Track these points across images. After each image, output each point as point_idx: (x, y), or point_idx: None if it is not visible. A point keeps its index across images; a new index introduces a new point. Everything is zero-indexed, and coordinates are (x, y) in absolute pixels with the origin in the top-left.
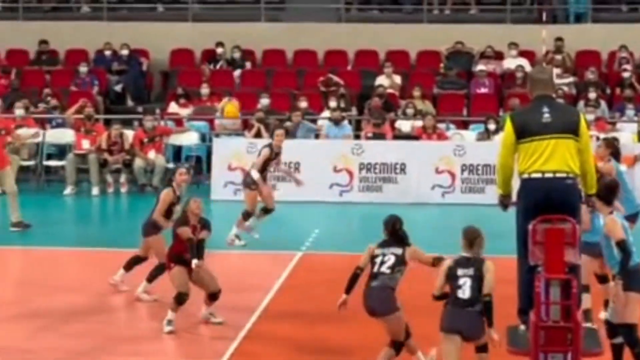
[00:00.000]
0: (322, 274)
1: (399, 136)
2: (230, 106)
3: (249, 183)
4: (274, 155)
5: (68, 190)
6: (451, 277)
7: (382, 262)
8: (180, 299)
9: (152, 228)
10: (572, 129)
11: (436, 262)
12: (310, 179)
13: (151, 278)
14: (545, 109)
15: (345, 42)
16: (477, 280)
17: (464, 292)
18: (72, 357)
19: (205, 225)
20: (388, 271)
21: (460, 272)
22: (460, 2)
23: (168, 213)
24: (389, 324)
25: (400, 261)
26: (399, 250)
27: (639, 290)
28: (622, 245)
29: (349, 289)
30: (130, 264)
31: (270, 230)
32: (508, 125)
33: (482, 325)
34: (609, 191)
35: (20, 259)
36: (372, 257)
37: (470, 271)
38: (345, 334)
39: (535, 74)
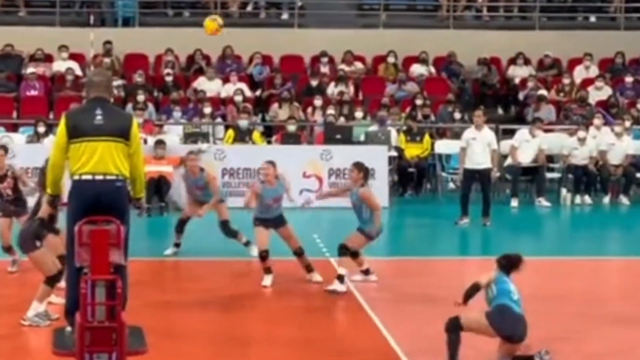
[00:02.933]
0: None
1: None
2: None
3: None
4: None
5: None
6: None
7: None
8: None
9: None
10: (122, 134)
11: None
12: None
13: None
14: (99, 111)
15: None
16: None
17: None
18: None
19: None
20: None
21: None
22: (9, 5)
23: None
24: None
25: None
26: None
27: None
28: None
29: None
30: None
31: None
32: (62, 125)
33: None
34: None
35: None
36: None
37: None
38: None
39: (92, 76)
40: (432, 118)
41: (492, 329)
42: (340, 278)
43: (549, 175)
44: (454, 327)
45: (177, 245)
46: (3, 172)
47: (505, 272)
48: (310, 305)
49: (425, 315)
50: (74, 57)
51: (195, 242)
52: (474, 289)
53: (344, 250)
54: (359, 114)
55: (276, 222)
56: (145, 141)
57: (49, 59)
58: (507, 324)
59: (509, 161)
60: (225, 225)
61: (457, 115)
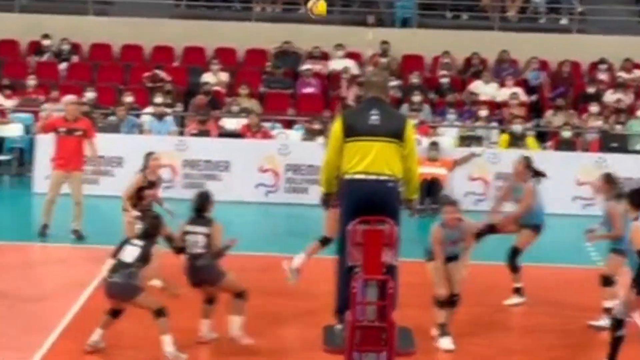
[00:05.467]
0: None
1: (224, 134)
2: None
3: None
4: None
5: None
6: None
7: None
8: None
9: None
10: (397, 135)
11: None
12: (134, 175)
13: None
14: (375, 112)
15: (172, 38)
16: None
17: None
18: None
19: None
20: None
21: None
22: (290, 2)
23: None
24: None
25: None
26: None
27: None
28: None
29: None
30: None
31: (86, 223)
32: (337, 124)
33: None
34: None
35: None
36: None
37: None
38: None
39: (371, 76)
40: None
41: None
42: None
43: None
44: None
45: (517, 291)
46: (155, 178)
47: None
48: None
49: None
50: (350, 55)
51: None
52: None
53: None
54: None
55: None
56: (420, 142)
57: (325, 57)
58: None
59: None
60: (515, 253)
61: None
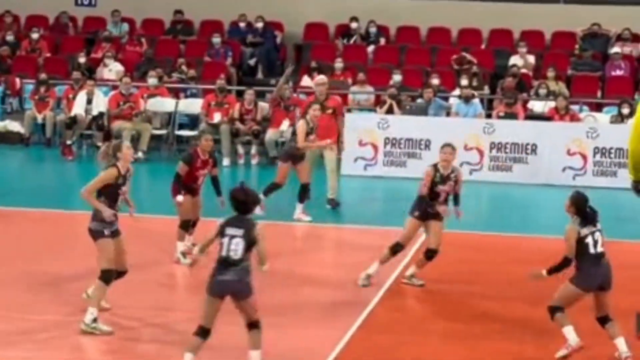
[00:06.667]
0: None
1: (531, 116)
2: None
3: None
4: (310, 129)
5: None
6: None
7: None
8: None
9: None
10: None
11: None
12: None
13: None
14: None
15: (479, 21)
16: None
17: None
18: None
19: (216, 162)
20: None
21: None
22: None
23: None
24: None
25: None
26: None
27: None
28: None
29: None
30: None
31: (392, 205)
32: (639, 110)
33: None
34: None
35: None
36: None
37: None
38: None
39: None
40: None
41: None
42: None
43: None
44: None
45: None
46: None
47: None
48: None
49: None
50: None
51: None
52: None
53: None
54: None
55: None
56: None
57: (636, 38)
58: None
59: None
60: None
61: None
